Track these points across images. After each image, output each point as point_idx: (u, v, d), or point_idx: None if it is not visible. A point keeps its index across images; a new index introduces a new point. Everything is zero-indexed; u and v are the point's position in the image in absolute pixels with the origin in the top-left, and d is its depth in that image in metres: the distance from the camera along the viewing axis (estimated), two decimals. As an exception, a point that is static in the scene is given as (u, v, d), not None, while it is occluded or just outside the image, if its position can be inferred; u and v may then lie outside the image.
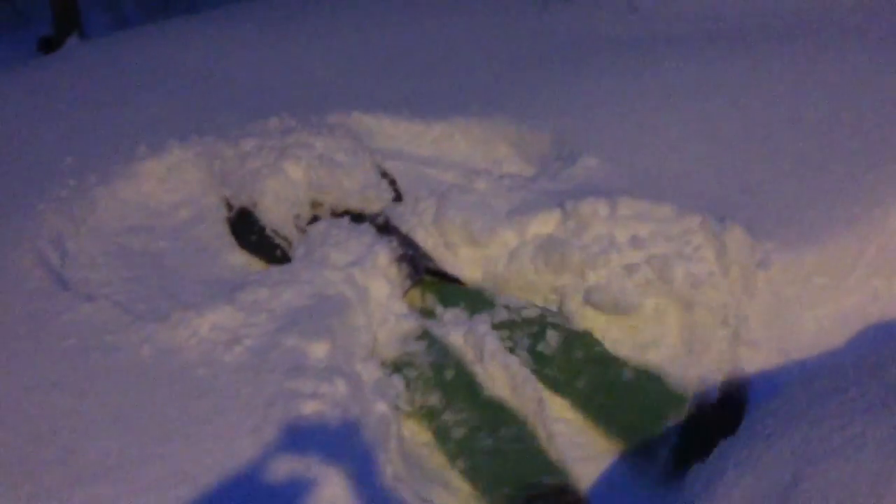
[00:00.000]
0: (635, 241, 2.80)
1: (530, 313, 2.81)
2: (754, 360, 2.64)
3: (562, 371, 2.64)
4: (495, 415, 2.45)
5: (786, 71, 3.75)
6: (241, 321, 2.47)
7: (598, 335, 2.75)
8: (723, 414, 2.44)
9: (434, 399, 2.50)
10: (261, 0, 6.62)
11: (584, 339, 2.72)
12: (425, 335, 2.70)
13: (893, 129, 3.12)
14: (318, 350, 2.35)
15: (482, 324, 2.72)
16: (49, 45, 8.10)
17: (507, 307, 2.84)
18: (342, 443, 2.08)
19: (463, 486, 2.32)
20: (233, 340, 2.40)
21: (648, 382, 2.58)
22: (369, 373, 2.49)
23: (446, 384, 2.55)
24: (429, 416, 2.50)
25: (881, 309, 2.76)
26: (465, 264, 2.99)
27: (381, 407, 2.32)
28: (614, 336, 2.78)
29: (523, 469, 2.29)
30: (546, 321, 2.77)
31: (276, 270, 2.76)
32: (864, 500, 1.58)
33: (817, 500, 1.64)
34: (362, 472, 2.06)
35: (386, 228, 3.08)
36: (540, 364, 2.65)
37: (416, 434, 2.49)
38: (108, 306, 2.58)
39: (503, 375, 2.56)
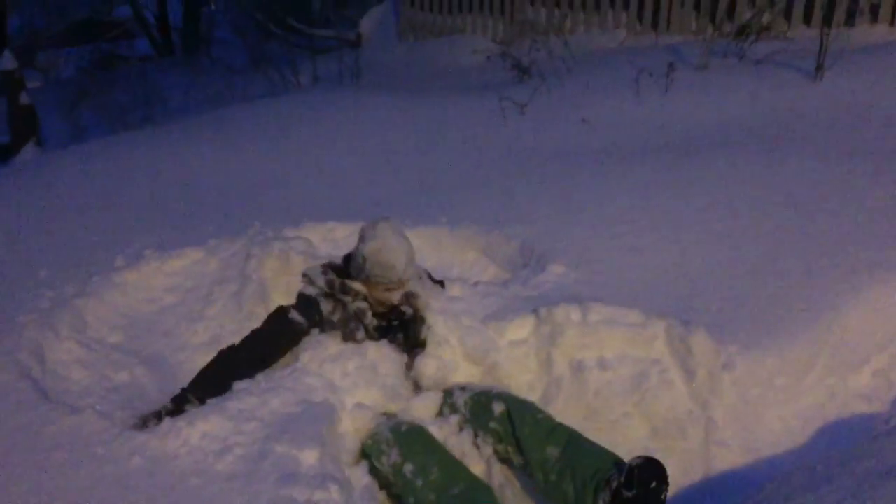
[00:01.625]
0: (603, 364, 2.95)
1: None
2: (724, 459, 2.77)
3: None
4: (453, 469, 2.57)
5: (740, 177, 4.04)
6: (232, 429, 2.50)
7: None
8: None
9: (394, 455, 2.61)
10: (222, 113, 6.83)
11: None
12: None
13: (844, 235, 3.39)
14: (309, 457, 2.39)
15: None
16: (6, 153, 8.13)
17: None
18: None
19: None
20: (224, 449, 2.43)
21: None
22: (357, 478, 2.53)
23: (402, 437, 2.67)
24: (396, 478, 2.59)
25: (838, 406, 2.94)
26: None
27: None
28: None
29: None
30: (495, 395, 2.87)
31: (261, 377, 2.80)
32: None
33: None
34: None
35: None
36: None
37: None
38: (94, 417, 2.58)
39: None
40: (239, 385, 2.74)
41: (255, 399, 2.64)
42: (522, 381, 3.03)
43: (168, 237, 3.85)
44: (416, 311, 3.05)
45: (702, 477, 2.76)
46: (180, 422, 2.51)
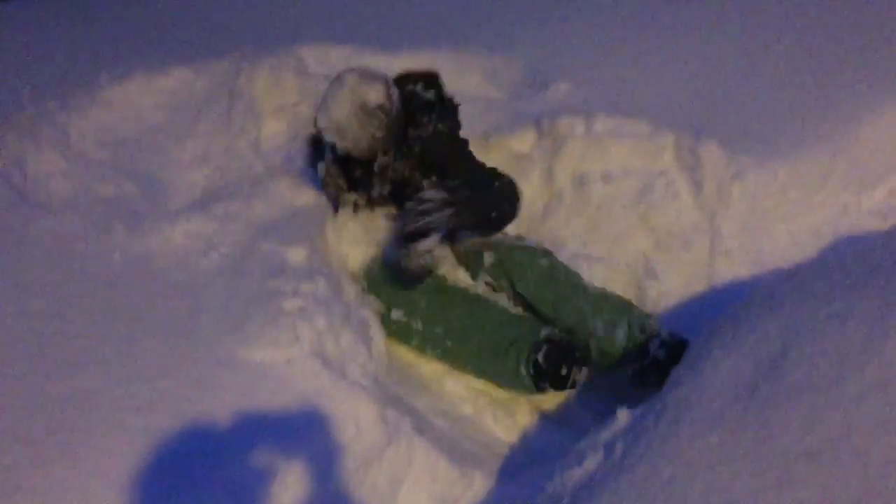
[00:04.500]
0: (607, 176, 2.81)
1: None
2: (729, 271, 2.68)
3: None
4: (465, 299, 2.47)
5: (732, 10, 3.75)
6: (216, 229, 2.41)
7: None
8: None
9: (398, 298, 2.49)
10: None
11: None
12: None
13: (864, 50, 3.16)
14: (297, 254, 2.30)
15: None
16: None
17: None
18: (325, 338, 2.04)
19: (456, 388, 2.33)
20: (208, 247, 2.35)
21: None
22: (347, 283, 2.45)
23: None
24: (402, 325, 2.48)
25: (850, 223, 2.81)
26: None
27: (364, 312, 2.28)
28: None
29: (519, 331, 2.30)
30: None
31: (246, 184, 2.69)
32: (852, 365, 1.60)
33: (805, 367, 1.65)
34: (347, 368, 2.03)
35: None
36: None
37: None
38: (75, 218, 2.50)
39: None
40: (225, 191, 2.63)
41: (240, 203, 2.53)
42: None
43: (155, 56, 3.66)
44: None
45: (705, 288, 2.67)
46: (161, 221, 2.41)
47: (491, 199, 2.48)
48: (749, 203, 2.69)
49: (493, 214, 2.49)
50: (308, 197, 2.64)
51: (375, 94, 2.40)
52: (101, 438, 1.72)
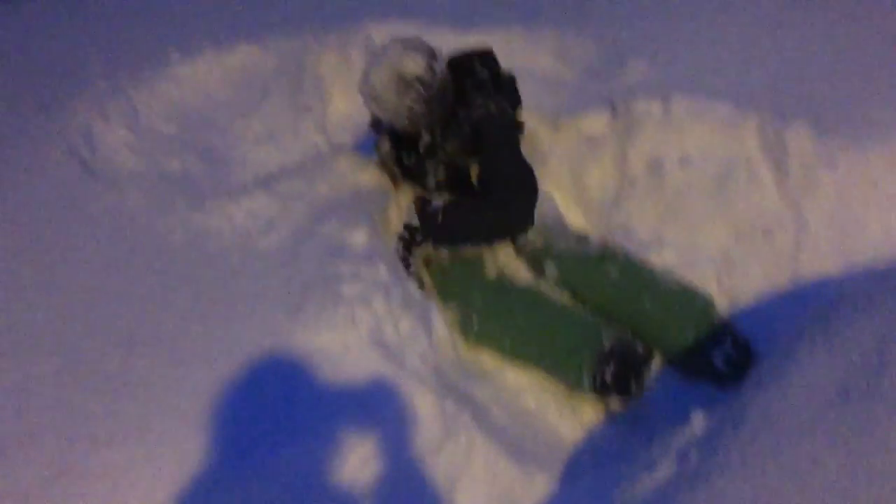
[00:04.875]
0: (685, 161, 2.66)
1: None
2: (814, 266, 2.50)
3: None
4: (522, 296, 2.35)
5: None
6: (279, 208, 2.37)
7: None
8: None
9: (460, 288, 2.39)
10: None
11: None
12: None
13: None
14: (358, 237, 2.24)
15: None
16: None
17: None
18: (384, 324, 1.97)
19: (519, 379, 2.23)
20: (269, 227, 2.30)
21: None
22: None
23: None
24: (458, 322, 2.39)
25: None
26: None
27: (425, 298, 2.21)
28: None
29: (581, 335, 2.19)
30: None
31: (309, 163, 2.64)
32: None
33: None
34: (406, 356, 1.96)
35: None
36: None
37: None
38: (139, 195, 2.48)
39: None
40: (289, 169, 2.58)
41: (303, 182, 2.48)
42: (593, 180, 2.78)
43: (224, 33, 3.64)
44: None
45: (789, 284, 2.50)
46: (224, 198, 2.38)
47: (487, 216, 2.31)
48: (839, 193, 2.50)
49: (487, 234, 2.37)
50: (371, 177, 2.57)
51: (414, 65, 2.29)
52: (157, 421, 1.70)
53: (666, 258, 2.61)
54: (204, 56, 3.46)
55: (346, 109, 3.10)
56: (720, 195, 2.60)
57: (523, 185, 2.31)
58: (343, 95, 3.18)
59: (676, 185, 2.65)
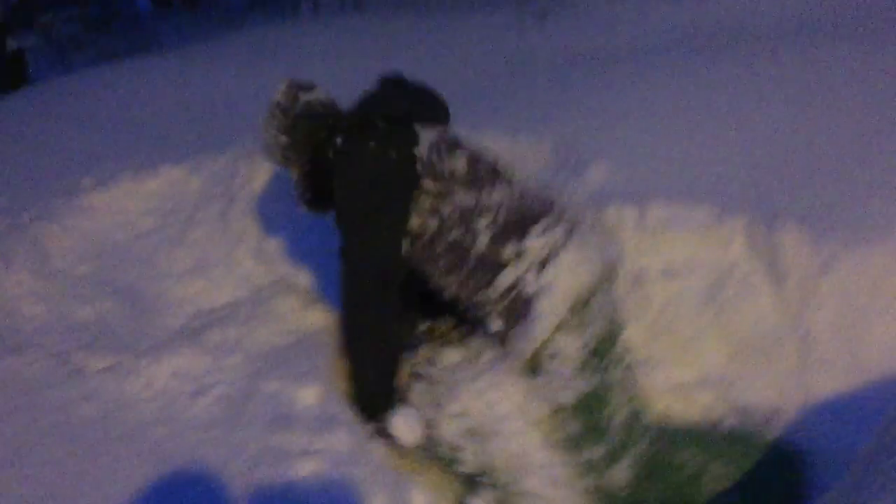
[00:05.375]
0: (669, 272, 2.40)
1: None
2: (827, 382, 2.23)
3: None
4: None
5: (790, 71, 3.38)
6: (209, 365, 1.99)
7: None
8: None
9: None
10: (215, 44, 6.24)
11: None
12: None
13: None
14: (307, 395, 1.88)
15: None
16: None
17: None
18: (348, 510, 1.60)
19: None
20: (198, 391, 1.92)
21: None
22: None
23: None
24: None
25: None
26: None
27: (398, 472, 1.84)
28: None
29: None
30: None
31: (246, 302, 2.28)
32: None
33: None
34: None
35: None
36: None
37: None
38: (42, 357, 2.09)
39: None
40: (221, 312, 2.22)
41: (238, 327, 2.12)
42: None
43: (145, 154, 3.31)
44: None
45: (799, 405, 2.22)
46: (144, 357, 2.00)
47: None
48: (843, 299, 2.26)
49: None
50: (319, 317, 2.22)
51: (278, 94, 2.06)
52: None
53: (656, 380, 2.33)
54: (121, 181, 3.11)
55: (285, 236, 2.76)
56: (712, 308, 2.34)
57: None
58: (280, 220, 2.85)
59: (662, 300, 2.38)
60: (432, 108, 2.26)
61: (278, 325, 2.17)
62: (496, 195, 1.96)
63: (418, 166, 1.92)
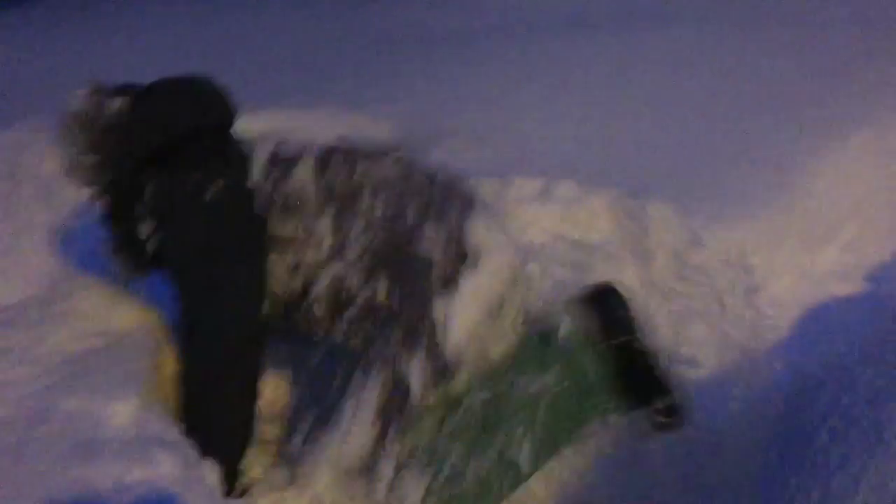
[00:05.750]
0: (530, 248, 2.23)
1: None
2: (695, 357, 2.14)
3: None
4: None
5: (660, 51, 3.36)
6: (-11, 381, 1.57)
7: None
8: None
9: None
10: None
11: None
12: None
13: (798, 96, 2.82)
14: (118, 414, 1.50)
15: None
16: None
17: None
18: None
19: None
20: (-25, 413, 1.50)
21: None
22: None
23: None
24: None
25: (813, 291, 2.37)
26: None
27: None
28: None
29: None
30: None
31: (38, 300, 1.86)
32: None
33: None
34: None
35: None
36: None
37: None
38: None
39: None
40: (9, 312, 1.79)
41: (27, 331, 1.71)
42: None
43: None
44: None
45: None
46: None
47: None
48: (708, 276, 2.18)
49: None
50: (133, 315, 1.84)
51: (80, 100, 1.61)
52: None
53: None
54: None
55: (89, 221, 2.34)
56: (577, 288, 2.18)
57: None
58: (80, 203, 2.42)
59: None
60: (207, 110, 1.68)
61: (79, 328, 1.77)
62: (360, 217, 1.59)
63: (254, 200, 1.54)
